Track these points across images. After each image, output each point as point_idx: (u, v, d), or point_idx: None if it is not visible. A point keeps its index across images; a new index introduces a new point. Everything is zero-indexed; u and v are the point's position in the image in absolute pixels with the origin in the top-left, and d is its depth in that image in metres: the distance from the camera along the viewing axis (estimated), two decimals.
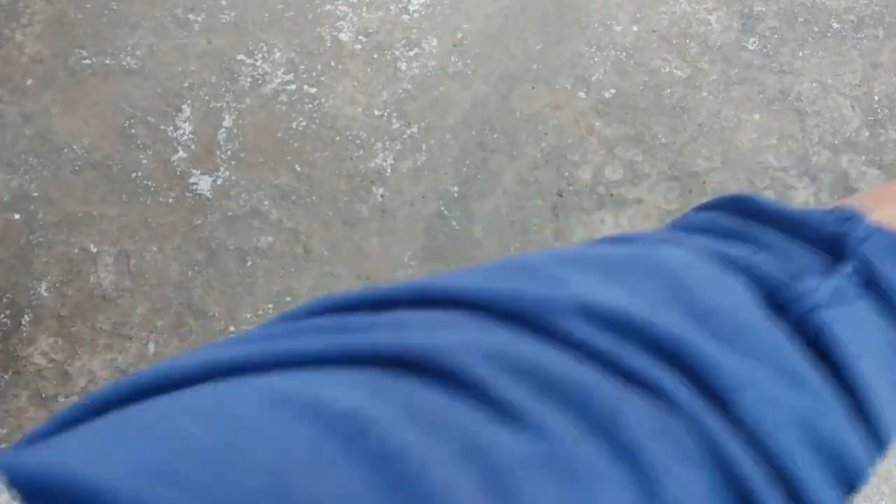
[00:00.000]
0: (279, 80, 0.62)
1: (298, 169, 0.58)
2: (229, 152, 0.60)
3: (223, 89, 0.62)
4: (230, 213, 0.59)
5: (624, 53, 0.60)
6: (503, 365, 0.18)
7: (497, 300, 0.20)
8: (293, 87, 0.62)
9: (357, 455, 0.16)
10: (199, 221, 0.59)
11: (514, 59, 0.61)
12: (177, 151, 0.60)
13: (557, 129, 0.59)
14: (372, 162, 0.59)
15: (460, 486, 0.16)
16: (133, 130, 0.61)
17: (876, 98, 0.60)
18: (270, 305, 0.56)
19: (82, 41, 0.64)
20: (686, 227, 0.22)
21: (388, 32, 0.60)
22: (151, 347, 0.56)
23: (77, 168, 0.60)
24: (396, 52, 0.60)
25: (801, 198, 0.58)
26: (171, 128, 0.61)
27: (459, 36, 0.61)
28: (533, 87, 0.60)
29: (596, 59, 0.60)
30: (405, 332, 0.19)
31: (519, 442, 0.17)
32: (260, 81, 0.62)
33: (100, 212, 0.59)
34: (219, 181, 0.60)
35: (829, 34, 0.62)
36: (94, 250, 0.58)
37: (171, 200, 0.59)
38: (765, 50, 0.62)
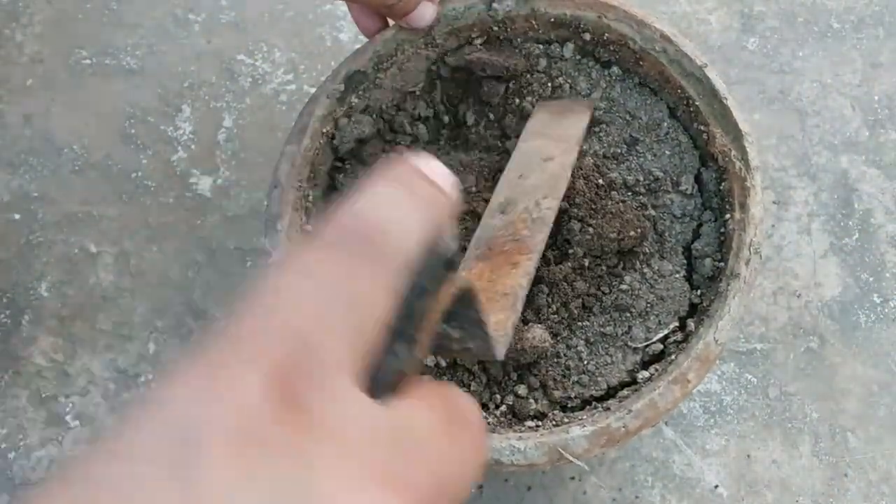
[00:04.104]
0: (279, 80, 0.62)
1: None
2: (229, 152, 0.60)
3: (223, 89, 0.62)
4: (230, 213, 0.59)
5: None
6: None
7: None
8: (293, 87, 0.62)
9: None
10: (199, 221, 0.59)
11: None
12: (177, 151, 0.60)
13: None
14: None
15: None
16: (133, 130, 0.61)
17: (876, 98, 0.61)
18: None
19: (82, 41, 0.64)
20: None
21: None
22: (151, 347, 0.56)
23: (77, 168, 0.60)
24: None
25: (801, 197, 0.58)
26: (171, 128, 0.61)
27: None
28: None
29: None
30: None
31: None
32: (260, 81, 0.62)
33: (100, 212, 0.59)
34: (219, 181, 0.60)
35: (829, 34, 0.62)
36: (94, 250, 0.58)
37: (171, 200, 0.59)
38: (765, 50, 0.62)
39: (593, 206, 0.44)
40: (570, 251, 0.44)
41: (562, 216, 0.44)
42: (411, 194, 0.22)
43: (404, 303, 0.22)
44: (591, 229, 0.43)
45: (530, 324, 0.43)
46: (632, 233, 0.44)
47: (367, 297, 0.20)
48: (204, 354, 0.18)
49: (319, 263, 0.20)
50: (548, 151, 0.43)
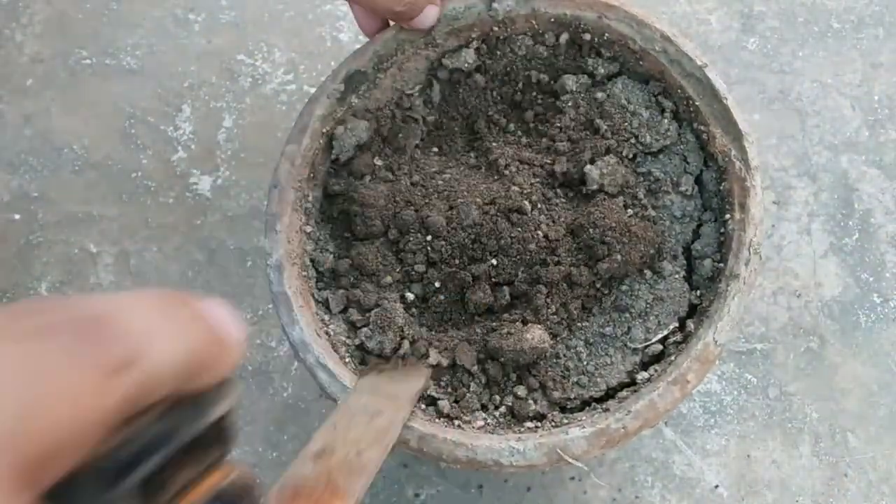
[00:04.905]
0: (279, 80, 0.62)
1: None
2: (229, 152, 0.60)
3: (223, 89, 0.62)
4: (230, 213, 0.59)
5: None
6: None
7: None
8: (293, 87, 0.62)
9: None
10: (199, 221, 0.59)
11: None
12: (177, 151, 0.60)
13: None
14: None
15: None
16: (133, 130, 0.61)
17: (876, 98, 0.60)
18: (270, 306, 0.56)
19: (82, 41, 0.64)
20: None
21: None
22: None
23: (77, 168, 0.60)
24: None
25: (801, 197, 0.58)
26: (171, 128, 0.61)
27: None
28: None
29: None
30: None
31: None
32: (260, 81, 0.62)
33: (100, 212, 0.59)
34: (219, 181, 0.60)
35: (829, 34, 0.62)
36: (94, 250, 0.58)
37: (171, 200, 0.59)
38: (765, 50, 0.62)
39: (622, 231, 0.44)
40: (595, 269, 0.44)
41: (594, 246, 0.44)
42: (167, 313, 0.17)
43: (132, 447, 0.17)
44: (619, 256, 0.43)
45: (530, 324, 0.43)
46: (651, 251, 0.44)
47: (56, 376, 0.14)
48: None
49: None
50: (376, 407, 0.40)
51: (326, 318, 0.45)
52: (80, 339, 0.15)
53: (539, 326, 0.43)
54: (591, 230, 0.44)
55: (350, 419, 0.38)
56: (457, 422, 0.42)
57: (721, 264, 0.43)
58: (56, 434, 0.14)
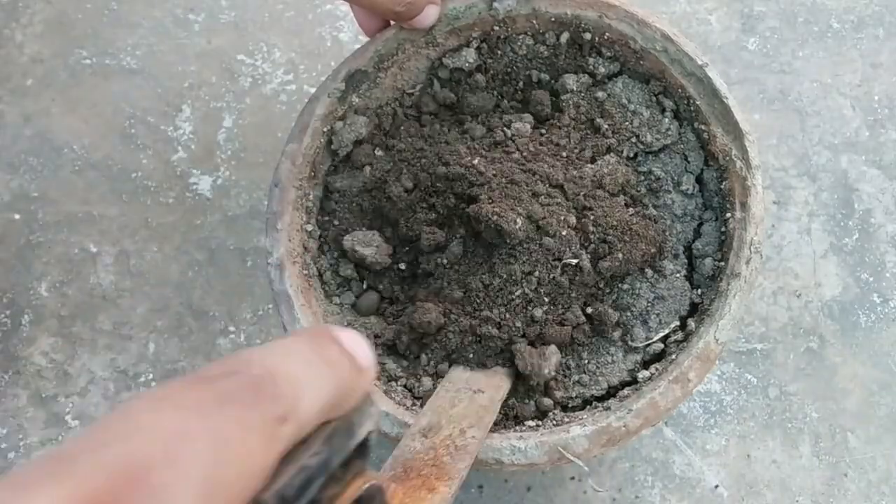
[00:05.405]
0: (279, 80, 0.62)
1: None
2: (229, 152, 0.60)
3: (223, 89, 0.62)
4: (230, 213, 0.59)
5: None
6: None
7: None
8: (293, 87, 0.62)
9: None
10: (199, 221, 0.59)
11: None
12: (177, 151, 0.60)
13: None
14: None
15: None
16: (133, 130, 0.61)
17: (876, 98, 0.61)
18: (270, 305, 0.56)
19: (82, 41, 0.64)
20: None
21: None
22: (151, 347, 0.56)
23: (77, 168, 0.60)
24: None
25: (801, 197, 0.58)
26: (171, 128, 0.61)
27: None
28: None
29: None
30: None
31: None
32: (260, 81, 0.62)
33: (100, 212, 0.59)
34: (219, 181, 0.60)
35: (829, 34, 0.62)
36: (94, 250, 0.58)
37: (171, 200, 0.59)
38: (765, 50, 0.62)
39: (623, 230, 0.44)
40: (597, 267, 0.44)
41: (596, 245, 0.44)
42: (317, 354, 0.21)
43: (304, 475, 0.19)
44: (620, 255, 0.43)
45: (550, 344, 0.43)
46: (652, 250, 0.44)
47: (236, 441, 0.17)
48: (22, 469, 0.16)
49: (184, 393, 0.17)
50: (477, 385, 0.41)
51: (327, 313, 0.45)
52: (248, 406, 0.18)
53: (554, 347, 0.43)
54: (592, 229, 0.44)
55: (454, 395, 0.40)
56: None
57: (722, 263, 0.43)
58: (237, 491, 0.17)
